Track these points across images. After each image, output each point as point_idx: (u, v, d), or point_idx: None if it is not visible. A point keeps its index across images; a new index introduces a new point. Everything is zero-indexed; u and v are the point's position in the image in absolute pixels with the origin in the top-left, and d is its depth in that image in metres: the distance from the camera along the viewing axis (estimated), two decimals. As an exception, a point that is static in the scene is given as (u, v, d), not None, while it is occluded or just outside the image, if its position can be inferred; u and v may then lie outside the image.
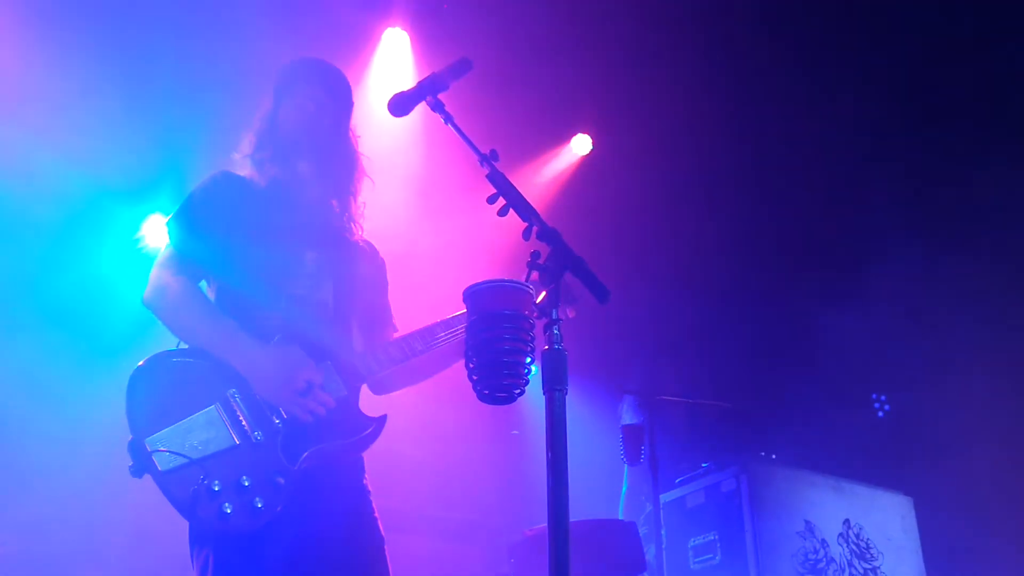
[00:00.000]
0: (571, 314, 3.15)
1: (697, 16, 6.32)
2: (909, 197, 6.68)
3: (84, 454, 5.38)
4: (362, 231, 3.29)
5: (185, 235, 2.94)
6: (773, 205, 7.03)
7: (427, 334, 3.06)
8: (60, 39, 5.39)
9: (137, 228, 6.07)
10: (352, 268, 3.18)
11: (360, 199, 3.29)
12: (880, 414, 7.26)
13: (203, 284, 3.02)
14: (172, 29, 5.57)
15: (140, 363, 2.76)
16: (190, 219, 2.97)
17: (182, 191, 5.93)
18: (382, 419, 2.95)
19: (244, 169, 3.16)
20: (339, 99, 3.22)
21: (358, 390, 2.98)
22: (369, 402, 3.06)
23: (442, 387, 3.22)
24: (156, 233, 6.09)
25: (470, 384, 2.26)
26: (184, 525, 2.72)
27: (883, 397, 7.29)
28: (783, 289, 7.18)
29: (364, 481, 3.03)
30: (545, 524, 2.07)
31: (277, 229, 3.00)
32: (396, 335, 3.20)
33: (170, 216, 2.99)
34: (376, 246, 3.39)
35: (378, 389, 3.24)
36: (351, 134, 3.31)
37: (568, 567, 2.00)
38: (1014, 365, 6.33)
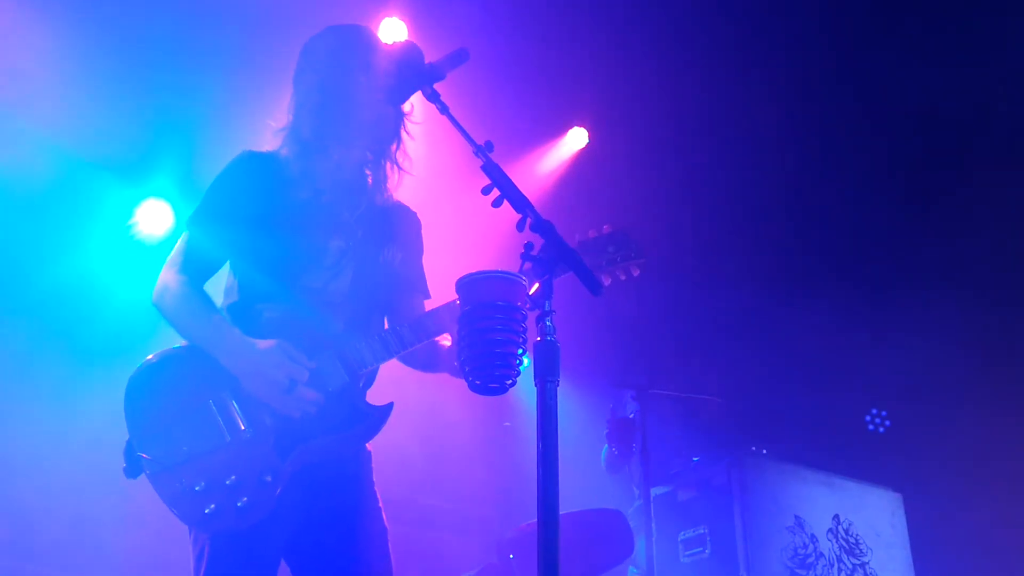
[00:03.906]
0: (635, 272, 3.10)
1: (695, 8, 6.31)
2: (902, 217, 6.69)
3: (72, 445, 5.37)
4: (394, 192, 3.09)
5: (199, 235, 2.91)
6: (770, 200, 7.03)
7: (417, 325, 2.86)
8: (50, 9, 5.32)
9: (130, 213, 6.03)
10: (376, 252, 3.03)
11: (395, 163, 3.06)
12: (881, 430, 7.17)
13: (228, 278, 2.98)
14: (168, 11, 5.53)
15: (143, 360, 2.77)
16: (207, 218, 2.91)
17: (179, 174, 5.94)
18: (386, 408, 2.87)
19: (277, 144, 2.99)
20: (406, 82, 2.70)
21: (362, 378, 2.88)
22: (377, 391, 2.99)
23: (433, 376, 3.20)
24: (150, 218, 6.06)
25: (462, 374, 2.26)
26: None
27: (883, 413, 7.21)
28: (778, 284, 7.19)
29: (368, 472, 2.97)
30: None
31: (301, 218, 2.91)
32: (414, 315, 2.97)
33: (190, 215, 2.93)
34: (411, 208, 3.23)
35: (420, 365, 3.08)
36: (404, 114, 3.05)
37: (557, 557, 2.00)
38: (1002, 363, 6.35)
